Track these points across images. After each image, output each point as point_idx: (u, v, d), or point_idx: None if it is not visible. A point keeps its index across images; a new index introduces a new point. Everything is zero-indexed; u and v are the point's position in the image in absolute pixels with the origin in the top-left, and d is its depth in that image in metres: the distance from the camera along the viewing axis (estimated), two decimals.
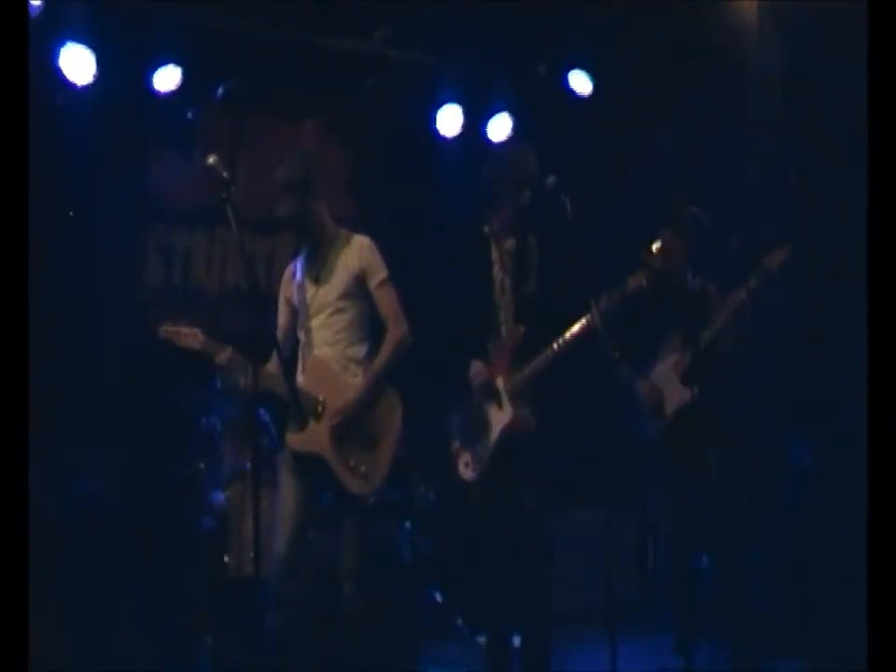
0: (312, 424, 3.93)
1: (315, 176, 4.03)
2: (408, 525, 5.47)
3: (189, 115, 6.04)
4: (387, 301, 4.04)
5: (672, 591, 4.76)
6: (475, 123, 6.67)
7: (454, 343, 4.41)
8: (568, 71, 6.59)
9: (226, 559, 4.97)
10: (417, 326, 4.12)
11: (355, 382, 3.99)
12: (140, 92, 5.79)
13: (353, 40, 6.30)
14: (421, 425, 4.86)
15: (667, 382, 4.70)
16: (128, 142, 5.90)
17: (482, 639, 4.81)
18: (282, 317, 4.15)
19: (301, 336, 4.09)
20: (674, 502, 4.71)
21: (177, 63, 5.78)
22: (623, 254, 4.48)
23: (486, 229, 4.35)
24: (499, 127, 6.66)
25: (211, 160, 3.54)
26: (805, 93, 5.59)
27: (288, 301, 4.15)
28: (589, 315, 4.00)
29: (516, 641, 4.34)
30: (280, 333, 4.09)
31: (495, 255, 4.32)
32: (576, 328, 4.10)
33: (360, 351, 4.04)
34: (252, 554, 4.28)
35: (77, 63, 5.47)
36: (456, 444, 4.35)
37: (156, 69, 5.77)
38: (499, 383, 4.23)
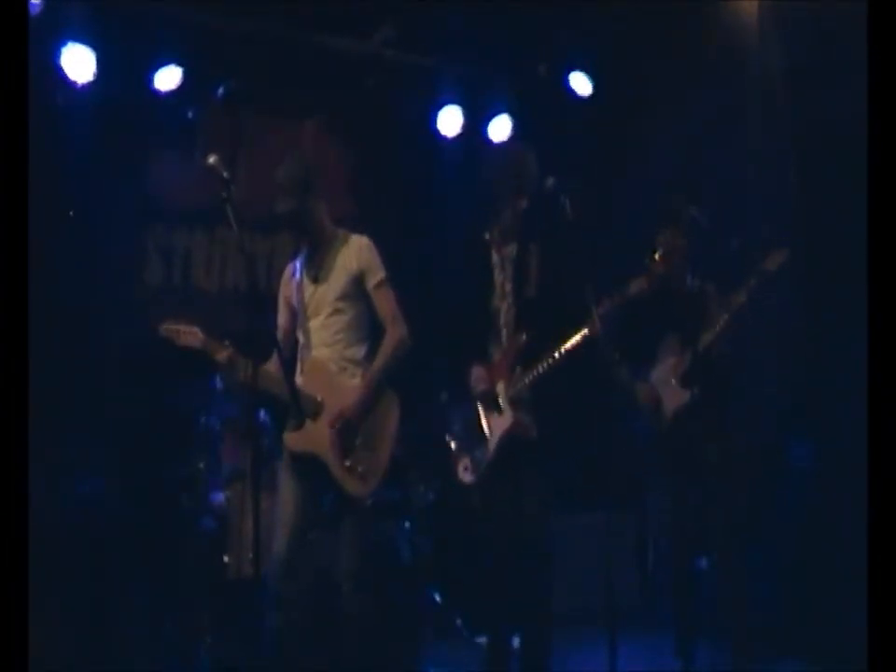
0: (309, 424, 3.92)
1: (315, 176, 4.02)
2: (407, 525, 5.48)
3: (190, 115, 6.05)
4: (386, 302, 4.03)
5: (672, 592, 4.75)
6: (475, 124, 6.68)
7: (453, 346, 4.40)
8: (568, 72, 6.59)
9: (225, 559, 4.97)
10: (417, 327, 4.11)
11: (353, 383, 3.98)
12: (140, 92, 5.80)
13: (353, 41, 6.31)
14: (419, 425, 4.87)
15: (666, 383, 4.69)
16: (128, 141, 5.91)
17: (481, 640, 4.81)
18: (281, 317, 4.15)
19: (300, 337, 4.08)
20: (674, 503, 4.70)
21: (178, 62, 5.79)
22: (624, 255, 4.48)
23: (487, 235, 4.35)
24: (499, 128, 6.67)
25: (211, 159, 3.54)
26: (805, 93, 5.59)
27: (287, 302, 4.14)
28: (590, 322, 3.98)
29: (516, 642, 4.34)
30: (280, 333, 4.08)
31: (496, 258, 4.31)
32: (577, 336, 4.09)
33: (359, 352, 4.03)
34: (251, 555, 4.28)
35: (78, 63, 5.48)
36: (456, 448, 4.35)
37: (156, 69, 5.78)
38: (500, 388, 4.22)
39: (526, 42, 6.38)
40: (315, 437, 3.92)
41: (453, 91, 6.59)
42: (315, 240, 4.08)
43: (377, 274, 4.02)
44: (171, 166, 6.09)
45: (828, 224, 5.39)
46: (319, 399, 3.94)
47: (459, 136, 6.67)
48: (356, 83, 6.37)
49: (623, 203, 6.40)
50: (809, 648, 4.65)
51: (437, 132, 6.64)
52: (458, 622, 5.55)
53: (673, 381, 4.66)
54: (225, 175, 3.51)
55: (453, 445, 4.36)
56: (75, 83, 5.49)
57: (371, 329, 4.07)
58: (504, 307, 4.27)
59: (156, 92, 5.82)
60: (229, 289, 6.39)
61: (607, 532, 4.76)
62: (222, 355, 3.90)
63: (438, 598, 5.61)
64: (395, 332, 4.02)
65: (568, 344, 4.10)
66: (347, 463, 3.89)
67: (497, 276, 4.30)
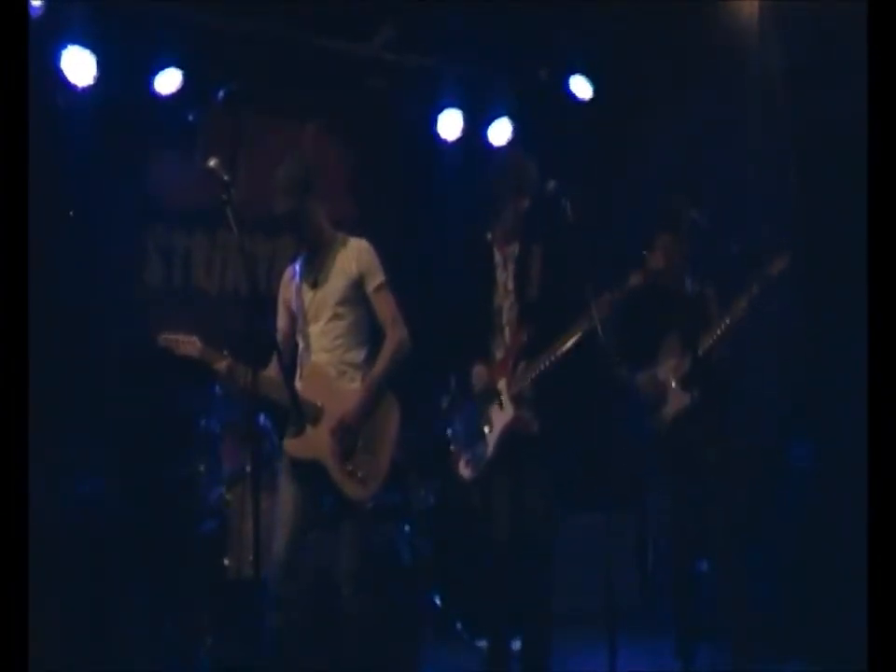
0: (310, 430, 3.92)
1: (314, 177, 4.01)
2: (407, 527, 5.47)
3: (190, 117, 6.05)
4: (385, 306, 4.02)
5: (672, 592, 4.76)
6: (475, 127, 6.68)
7: (455, 345, 4.41)
8: (569, 75, 6.59)
9: (226, 561, 4.96)
10: (417, 329, 4.11)
11: (352, 387, 3.97)
12: (141, 94, 5.81)
13: (353, 43, 6.31)
14: (420, 427, 4.87)
15: (666, 385, 4.69)
16: (129, 144, 5.91)
17: (481, 643, 4.81)
18: (281, 321, 4.14)
19: (300, 341, 4.07)
20: (674, 504, 4.70)
21: (178, 65, 5.80)
22: (624, 256, 4.48)
23: (489, 235, 4.36)
24: (499, 131, 6.67)
25: (211, 162, 3.54)
26: (805, 93, 5.59)
27: (287, 305, 4.13)
28: (590, 317, 3.99)
29: (516, 644, 4.34)
30: (280, 336, 4.08)
31: (498, 259, 4.34)
32: (578, 329, 4.10)
33: (359, 356, 4.02)
34: (252, 556, 4.27)
35: (78, 65, 5.49)
36: (456, 445, 4.35)
37: (157, 71, 5.79)
38: (501, 385, 4.24)
39: (527, 44, 6.38)
40: (315, 443, 3.91)
41: (453, 94, 6.59)
42: (314, 243, 4.07)
43: (377, 278, 4.01)
44: (171, 168, 6.09)
45: (828, 225, 5.39)
46: (319, 404, 3.93)
47: (459, 139, 6.68)
48: (356, 85, 6.38)
49: (624, 204, 6.40)
50: (810, 648, 4.64)
51: (437, 134, 6.64)
52: (458, 625, 5.55)
53: (673, 383, 4.66)
54: (225, 177, 3.51)
55: (453, 442, 4.36)
56: (75, 86, 5.49)
57: (370, 333, 4.07)
58: (506, 305, 4.29)
59: (156, 95, 5.82)
60: (229, 291, 6.39)
61: (607, 532, 4.75)
62: (221, 364, 3.89)
63: (438, 601, 5.61)
64: (395, 336, 4.01)
65: (570, 341, 4.11)
66: (348, 467, 3.89)
67: (500, 276, 4.32)
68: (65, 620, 4.60)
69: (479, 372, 4.28)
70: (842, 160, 5.16)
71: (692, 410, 4.52)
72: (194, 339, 3.92)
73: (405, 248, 6.31)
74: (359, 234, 4.13)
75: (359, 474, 3.89)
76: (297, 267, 4.15)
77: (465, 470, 4.30)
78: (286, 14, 5.85)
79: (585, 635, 4.74)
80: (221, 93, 6.08)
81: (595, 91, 6.59)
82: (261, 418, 5.04)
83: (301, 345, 4.07)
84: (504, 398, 4.21)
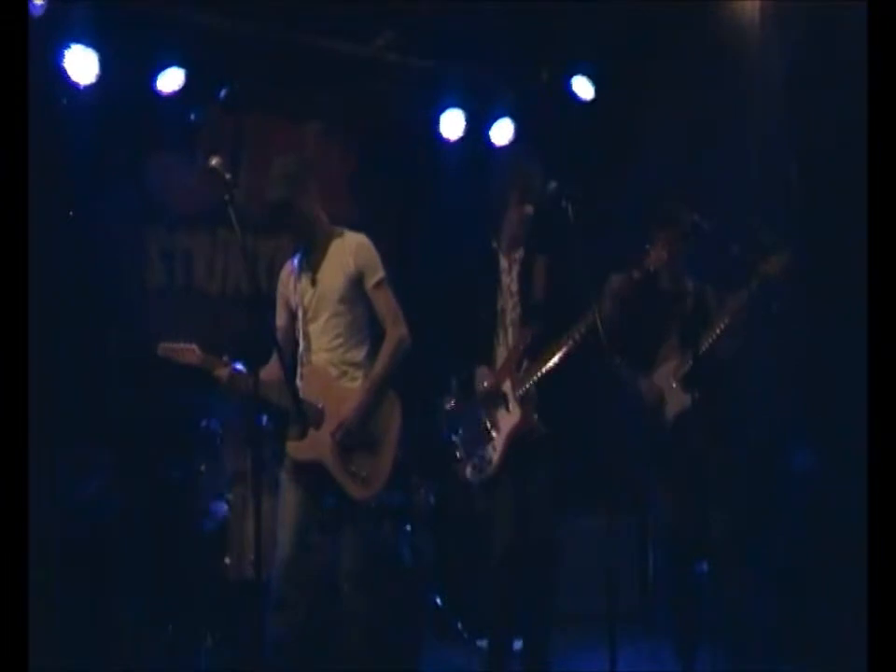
0: (312, 432, 3.91)
1: (309, 170, 4.01)
2: (408, 527, 5.47)
3: (192, 116, 6.05)
4: (385, 302, 4.00)
5: (673, 596, 4.75)
6: (477, 127, 6.68)
7: (458, 346, 4.41)
8: (570, 76, 6.59)
9: (226, 561, 4.96)
10: (420, 330, 4.10)
11: (354, 387, 3.96)
12: (143, 94, 5.81)
13: (355, 43, 6.31)
14: (421, 427, 4.86)
15: (667, 386, 4.69)
16: (130, 143, 5.92)
17: (481, 643, 4.81)
18: (280, 318, 4.12)
19: (301, 340, 4.05)
20: (675, 507, 4.69)
21: (180, 64, 5.79)
22: (625, 257, 4.48)
23: (493, 238, 4.37)
24: (501, 131, 6.67)
25: (213, 161, 3.54)
26: (805, 93, 5.58)
27: (286, 302, 4.12)
28: (592, 314, 3.99)
29: (516, 645, 4.34)
30: (280, 334, 4.06)
31: (504, 265, 4.35)
32: (581, 327, 4.10)
33: (359, 354, 4.01)
34: (253, 557, 4.27)
35: (81, 64, 5.48)
36: (462, 448, 4.34)
37: (159, 71, 5.78)
38: (506, 386, 4.23)
39: (529, 45, 6.38)
40: (317, 445, 3.90)
41: (455, 94, 6.59)
42: (310, 236, 4.04)
43: (376, 274, 3.99)
44: (173, 168, 6.09)
45: (828, 225, 5.39)
46: (320, 405, 3.92)
47: (462, 140, 6.68)
48: (358, 86, 6.38)
49: (625, 204, 6.39)
50: (810, 651, 4.64)
51: (439, 135, 6.64)
52: (459, 625, 5.55)
53: (674, 384, 4.65)
54: (227, 177, 3.51)
55: (458, 445, 4.35)
56: (77, 85, 5.49)
57: (370, 330, 4.05)
58: (510, 306, 4.29)
59: (158, 94, 5.82)
60: (230, 291, 6.39)
61: (608, 535, 4.74)
62: (221, 371, 3.89)
63: (438, 601, 5.61)
64: (394, 333, 3.99)
65: (570, 342, 4.12)
66: (350, 468, 3.89)
67: (504, 278, 4.32)
68: (65, 620, 4.60)
69: (483, 374, 4.28)
70: (842, 160, 5.16)
71: (692, 410, 4.51)
72: (193, 346, 3.90)
73: (407, 249, 6.32)
74: (360, 233, 4.12)
75: (362, 475, 3.89)
76: (295, 263, 4.13)
77: (472, 474, 4.28)
78: (288, 14, 5.85)
79: (586, 635, 4.74)
80: (223, 93, 6.08)
81: (597, 92, 6.59)
82: (263, 419, 5.04)
83: (301, 345, 4.05)
84: (510, 399, 4.21)
